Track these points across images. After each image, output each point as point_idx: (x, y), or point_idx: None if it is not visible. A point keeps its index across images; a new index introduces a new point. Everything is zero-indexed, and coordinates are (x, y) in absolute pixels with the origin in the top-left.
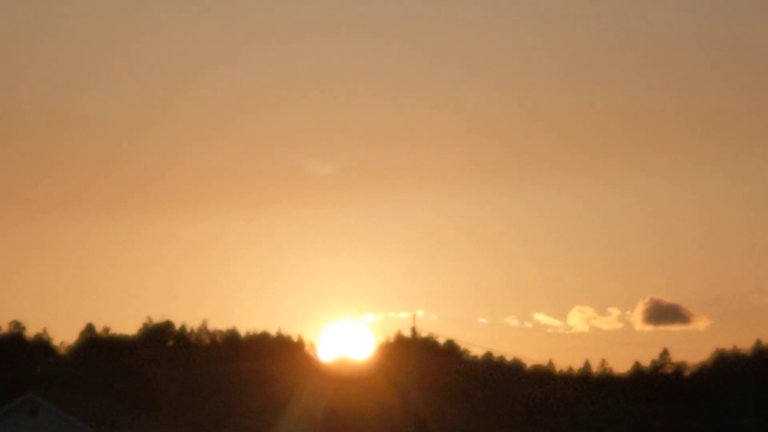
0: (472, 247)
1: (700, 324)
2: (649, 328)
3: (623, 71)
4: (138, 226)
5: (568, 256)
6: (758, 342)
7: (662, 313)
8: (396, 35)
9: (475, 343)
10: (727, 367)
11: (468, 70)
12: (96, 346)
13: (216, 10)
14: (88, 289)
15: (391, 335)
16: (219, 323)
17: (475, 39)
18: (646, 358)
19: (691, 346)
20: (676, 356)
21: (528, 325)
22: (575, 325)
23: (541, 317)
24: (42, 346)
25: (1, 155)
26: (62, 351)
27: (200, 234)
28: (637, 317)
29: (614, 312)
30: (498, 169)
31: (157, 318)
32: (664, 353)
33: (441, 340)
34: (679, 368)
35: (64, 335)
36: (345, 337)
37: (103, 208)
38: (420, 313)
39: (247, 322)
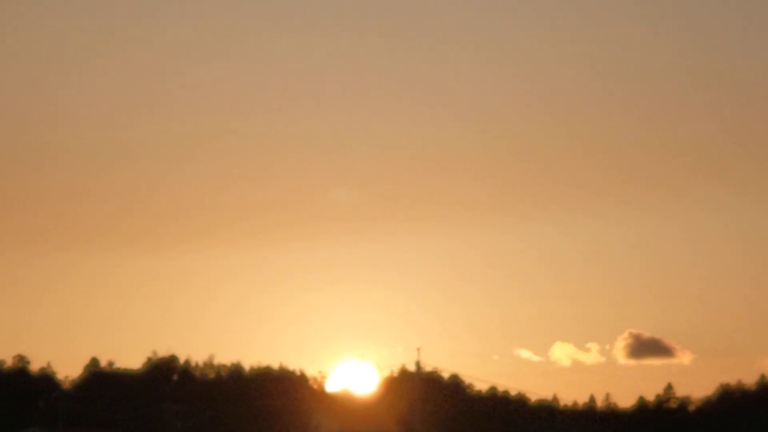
0: (455, 285)
1: (684, 358)
2: (633, 362)
3: (608, 114)
4: (142, 261)
5: (546, 292)
6: (762, 377)
7: (644, 347)
8: (420, 62)
9: (480, 377)
10: (731, 402)
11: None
12: (100, 380)
13: (231, 45)
14: (92, 323)
15: (395, 369)
16: (223, 357)
17: (489, 79)
18: (634, 392)
19: (679, 379)
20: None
21: (510, 360)
22: (558, 360)
23: (523, 352)
24: (46, 380)
25: (5, 194)
26: (66, 385)
27: (204, 269)
28: (618, 352)
29: (594, 346)
30: (477, 209)
31: (162, 352)
32: (668, 388)
33: (445, 374)
34: (684, 403)
35: (69, 369)
36: (349, 371)
37: (108, 244)
38: (399, 349)
39: (251, 356)
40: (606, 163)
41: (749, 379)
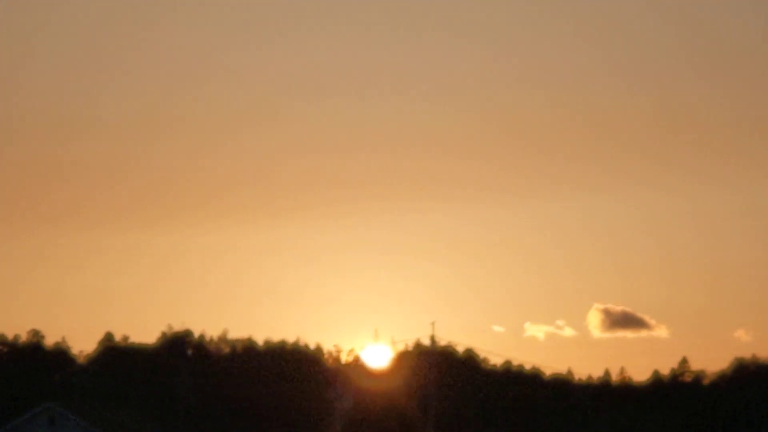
0: (468, 259)
1: (660, 331)
2: (607, 334)
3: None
4: (157, 235)
5: (518, 269)
6: None
7: (616, 323)
8: (418, 41)
9: (494, 352)
10: (746, 376)
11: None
12: (115, 355)
13: (227, 20)
14: (106, 297)
15: (410, 344)
16: (237, 332)
17: (489, 55)
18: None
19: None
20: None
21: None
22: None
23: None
24: (60, 355)
25: (21, 167)
26: (81, 360)
27: (219, 243)
28: (594, 328)
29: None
30: (485, 188)
31: (176, 327)
32: (683, 361)
33: (460, 349)
34: (698, 377)
35: (83, 344)
36: (363, 346)
37: (122, 218)
38: (413, 324)
39: (265, 331)
40: (569, 143)
41: (763, 352)
